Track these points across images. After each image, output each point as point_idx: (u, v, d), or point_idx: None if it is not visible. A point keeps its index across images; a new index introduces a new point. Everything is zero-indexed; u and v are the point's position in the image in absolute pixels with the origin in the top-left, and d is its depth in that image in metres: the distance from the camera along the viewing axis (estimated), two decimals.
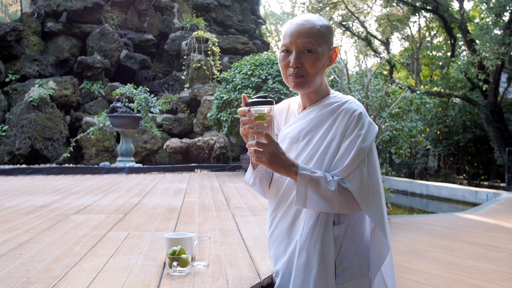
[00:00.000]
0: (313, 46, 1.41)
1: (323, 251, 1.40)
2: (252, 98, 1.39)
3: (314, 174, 1.37)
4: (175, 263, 1.77)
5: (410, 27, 23.29)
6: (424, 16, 21.83)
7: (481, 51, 14.46)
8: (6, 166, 8.26)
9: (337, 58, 1.56)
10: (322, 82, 1.51)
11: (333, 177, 1.39)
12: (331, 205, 1.37)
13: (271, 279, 1.81)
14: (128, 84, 9.12)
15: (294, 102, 1.64)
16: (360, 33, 23.64)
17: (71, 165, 8.99)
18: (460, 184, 16.13)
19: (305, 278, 1.42)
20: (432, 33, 23.67)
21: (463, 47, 20.23)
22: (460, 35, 18.10)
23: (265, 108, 1.37)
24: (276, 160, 1.35)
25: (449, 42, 20.11)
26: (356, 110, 1.42)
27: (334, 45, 1.49)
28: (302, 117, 1.52)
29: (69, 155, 9.67)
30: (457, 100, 19.40)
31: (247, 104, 1.38)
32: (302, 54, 1.42)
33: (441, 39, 23.76)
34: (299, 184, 1.37)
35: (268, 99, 1.38)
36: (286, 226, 1.50)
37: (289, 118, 1.62)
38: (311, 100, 1.52)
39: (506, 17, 14.84)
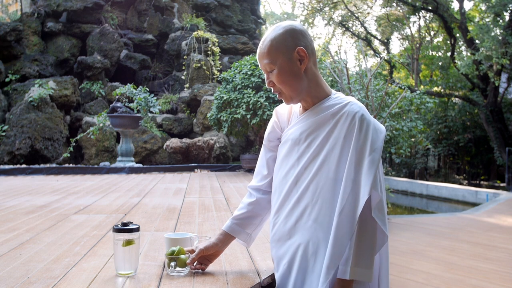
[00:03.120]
0: (271, 65, 1.46)
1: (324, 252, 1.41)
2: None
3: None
4: (173, 263, 1.77)
5: (410, 27, 23.28)
6: (424, 16, 21.81)
7: (481, 51, 14.45)
8: (6, 166, 8.26)
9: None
10: (313, 84, 1.49)
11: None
12: (371, 246, 1.39)
13: (271, 279, 1.81)
14: (128, 84, 9.11)
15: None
16: (360, 33, 23.62)
17: (71, 165, 8.99)
18: (460, 184, 16.11)
19: (305, 279, 1.42)
20: (432, 33, 23.66)
21: (463, 47, 20.22)
22: (460, 35, 18.10)
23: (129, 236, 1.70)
24: None
25: (449, 42, 20.10)
26: (358, 113, 1.41)
27: (299, 46, 1.43)
28: (303, 119, 1.52)
29: (69, 155, 9.67)
30: (457, 100, 19.39)
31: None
32: (270, 73, 1.48)
33: (441, 39, 23.75)
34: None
35: (129, 227, 1.70)
36: (288, 227, 1.51)
37: (291, 119, 1.62)
38: (309, 103, 1.52)
39: (506, 17, 14.84)
